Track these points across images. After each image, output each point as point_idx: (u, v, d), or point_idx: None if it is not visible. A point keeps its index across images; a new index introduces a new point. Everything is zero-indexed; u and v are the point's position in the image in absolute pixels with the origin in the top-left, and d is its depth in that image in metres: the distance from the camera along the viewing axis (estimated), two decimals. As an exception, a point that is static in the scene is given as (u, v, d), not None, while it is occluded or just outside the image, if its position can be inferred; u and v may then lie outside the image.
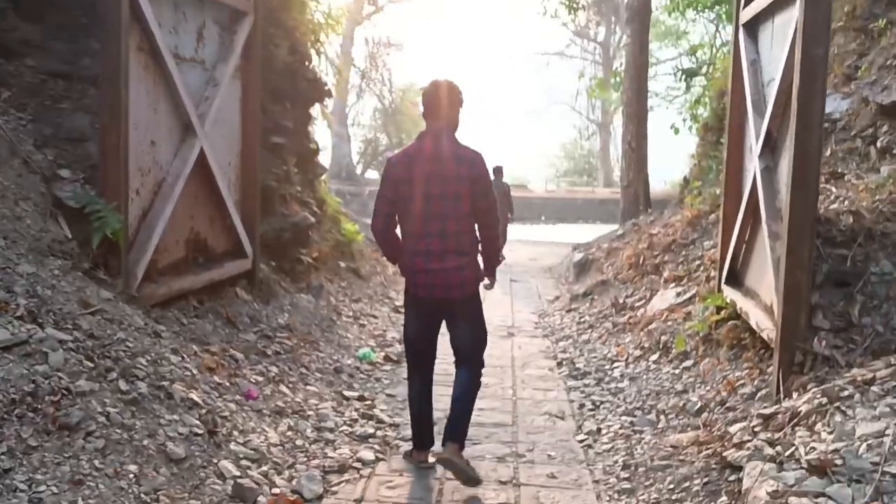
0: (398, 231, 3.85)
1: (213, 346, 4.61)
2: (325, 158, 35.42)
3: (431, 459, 3.90)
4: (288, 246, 7.05)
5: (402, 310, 4.69)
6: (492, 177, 4.38)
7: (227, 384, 4.18)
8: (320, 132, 36.41)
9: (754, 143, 4.90)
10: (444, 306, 3.80)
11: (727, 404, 4.33)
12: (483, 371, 4.01)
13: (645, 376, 5.48)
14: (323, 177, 9.93)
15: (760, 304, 4.75)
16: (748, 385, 4.40)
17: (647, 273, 7.99)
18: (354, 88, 37.18)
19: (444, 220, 3.67)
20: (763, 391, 4.24)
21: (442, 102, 3.75)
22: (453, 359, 3.95)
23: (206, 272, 5.26)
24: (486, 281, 4.02)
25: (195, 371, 4.03)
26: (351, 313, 7.47)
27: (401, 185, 3.69)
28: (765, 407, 3.96)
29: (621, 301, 7.65)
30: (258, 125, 6.16)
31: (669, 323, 6.23)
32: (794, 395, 3.84)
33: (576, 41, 43.67)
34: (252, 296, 5.90)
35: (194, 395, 3.75)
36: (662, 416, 4.59)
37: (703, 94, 18.04)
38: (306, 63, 8.26)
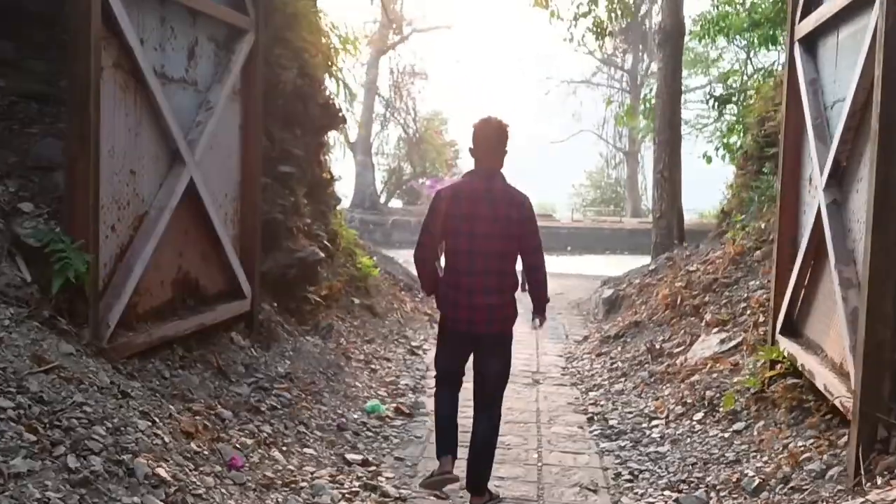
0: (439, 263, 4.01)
1: (196, 404, 4.05)
2: (347, 187, 34.96)
3: (451, 476, 3.89)
4: (294, 284, 6.51)
5: (418, 352, 5.42)
6: None
7: (207, 451, 3.60)
8: (342, 161, 36.31)
9: (817, 174, 4.27)
10: (479, 341, 3.89)
11: (791, 483, 3.66)
12: (504, 428, 4.13)
13: (689, 439, 4.81)
14: (338, 207, 9.42)
15: (827, 362, 4.08)
16: (815, 460, 3.72)
17: (685, 315, 7.31)
18: (379, 118, 37.04)
19: (489, 258, 3.76)
20: (835, 469, 3.56)
21: (493, 141, 3.84)
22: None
23: (196, 316, 4.72)
24: (536, 321, 4.13)
25: (168, 438, 3.45)
26: (362, 356, 6.88)
27: (449, 219, 3.76)
28: (841, 494, 3.29)
29: (658, 346, 6.98)
30: (259, 153, 5.66)
31: (714, 375, 5.55)
32: (878, 479, 3.17)
33: (602, 69, 43.25)
34: (250, 341, 5.34)
35: (162, 470, 3.17)
36: (713, 494, 3.92)
37: (737, 122, 17.41)
38: (319, 87, 7.79)
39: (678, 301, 7.56)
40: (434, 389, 4.18)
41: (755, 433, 4.44)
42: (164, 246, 4.41)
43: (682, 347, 6.65)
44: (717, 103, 17.24)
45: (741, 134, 17.24)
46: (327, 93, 8.25)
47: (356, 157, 34.94)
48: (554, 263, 17.82)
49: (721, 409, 4.97)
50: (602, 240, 33.19)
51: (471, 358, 4.01)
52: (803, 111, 4.64)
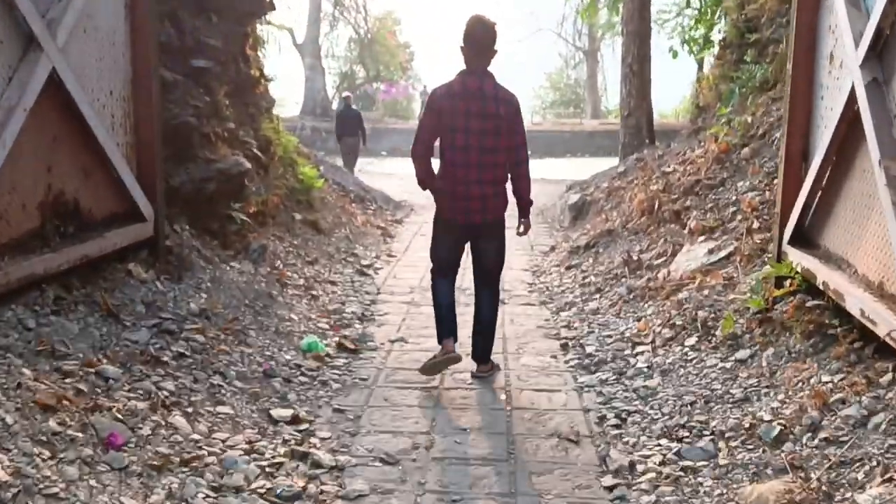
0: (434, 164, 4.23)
1: (68, 361, 3.15)
2: (297, 93, 33.17)
3: (454, 354, 4.17)
4: (214, 200, 5.52)
5: (368, 271, 6.06)
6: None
7: (75, 429, 2.73)
8: (289, 63, 34.21)
9: (850, 48, 3.38)
10: (476, 229, 4.18)
11: (823, 432, 2.95)
12: (466, 362, 4.34)
13: (683, 370, 4.09)
14: (274, 110, 8.30)
15: (859, 280, 3.33)
16: (851, 402, 3.00)
17: (665, 221, 6.54)
18: (327, 17, 34.79)
19: (483, 152, 3.99)
20: (880, 416, 2.85)
21: (485, 42, 3.97)
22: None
23: (76, 246, 3.75)
24: (521, 227, 4.37)
25: (12, 418, 2.58)
26: (302, 282, 6.00)
27: (444, 115, 3.98)
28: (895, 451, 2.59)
29: (635, 257, 6.22)
30: (154, 40, 4.54)
31: (706, 292, 4.82)
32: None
33: (561, -38, 41.09)
34: (155, 272, 4.40)
35: (-3, 466, 2.31)
36: (722, 444, 3.20)
37: (702, 14, 16.32)
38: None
39: (656, 206, 6.78)
40: (431, 282, 4.45)
41: (764, 364, 3.73)
42: (20, 158, 3.39)
43: (664, 259, 5.90)
44: (686, -9, 16.06)
45: (708, 26, 16.21)
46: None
47: (304, 59, 32.95)
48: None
49: (718, 333, 4.25)
50: (563, 142, 32.27)
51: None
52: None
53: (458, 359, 4.18)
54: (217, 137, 5.73)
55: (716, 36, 15.87)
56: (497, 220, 4.20)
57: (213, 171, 5.50)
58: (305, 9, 32.22)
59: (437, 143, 4.17)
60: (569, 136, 33.27)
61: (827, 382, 3.22)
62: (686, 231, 6.02)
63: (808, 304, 3.77)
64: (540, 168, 23.69)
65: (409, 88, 40.80)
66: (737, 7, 8.60)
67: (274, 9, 7.31)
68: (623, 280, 6.01)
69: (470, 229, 4.18)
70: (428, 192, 4.30)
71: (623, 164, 10.55)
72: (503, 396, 4.06)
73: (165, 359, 3.62)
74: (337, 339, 4.90)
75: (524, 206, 4.28)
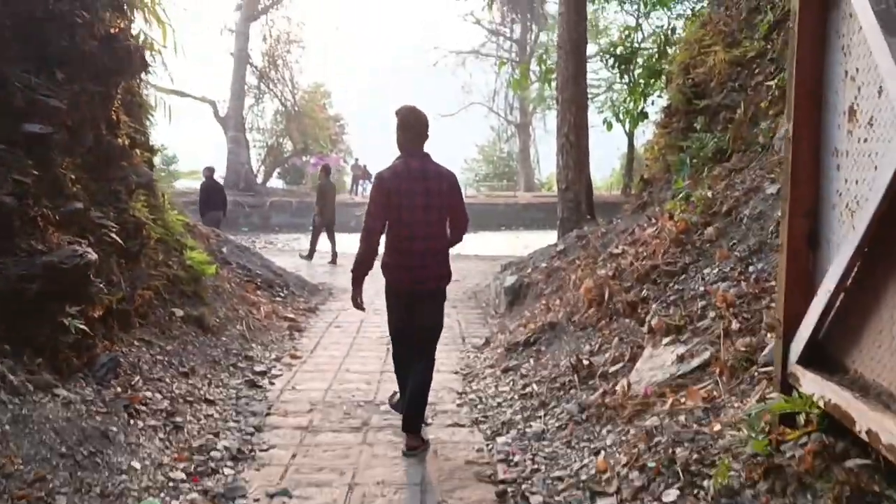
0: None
1: None
2: (219, 166, 31.94)
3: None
4: (41, 304, 4.18)
5: (261, 381, 5.56)
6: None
7: None
8: (212, 137, 32.92)
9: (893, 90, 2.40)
10: (422, 296, 4.47)
11: None
12: None
13: (668, 547, 2.92)
14: (155, 186, 7.03)
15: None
16: None
17: (617, 315, 5.49)
18: (252, 90, 33.85)
19: (428, 225, 4.37)
20: None
21: (418, 128, 4.44)
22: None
23: None
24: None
25: None
26: (165, 404, 4.64)
27: (393, 196, 4.28)
28: None
29: (585, 361, 5.10)
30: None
31: (682, 418, 3.71)
32: None
33: (492, 39, 41.67)
34: None
35: None
36: None
37: (636, 86, 15.98)
38: (99, 14, 5.40)
39: (606, 295, 5.73)
40: (392, 353, 4.77)
41: (786, 545, 2.59)
42: None
43: (621, 365, 4.80)
44: (617, 63, 15.76)
45: (639, 99, 15.82)
46: (122, 25, 5.86)
47: (227, 132, 31.75)
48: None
49: (708, 485, 3.11)
50: (496, 216, 31.73)
51: None
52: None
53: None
54: (48, 222, 4.43)
55: (649, 108, 15.49)
56: (439, 289, 4.57)
57: (39, 265, 4.17)
58: (228, 81, 31.26)
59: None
60: (503, 210, 32.81)
61: None
62: (646, 329, 4.95)
63: (833, 449, 2.68)
64: (473, 243, 22.79)
65: (339, 161, 39.96)
66: (681, 72, 7.89)
67: (146, 69, 6.14)
68: (572, 392, 4.86)
69: (417, 297, 4.46)
70: (349, 276, 4.66)
71: (562, 242, 9.61)
72: None
73: None
74: (192, 496, 3.56)
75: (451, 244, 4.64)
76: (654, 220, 6.62)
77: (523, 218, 31.89)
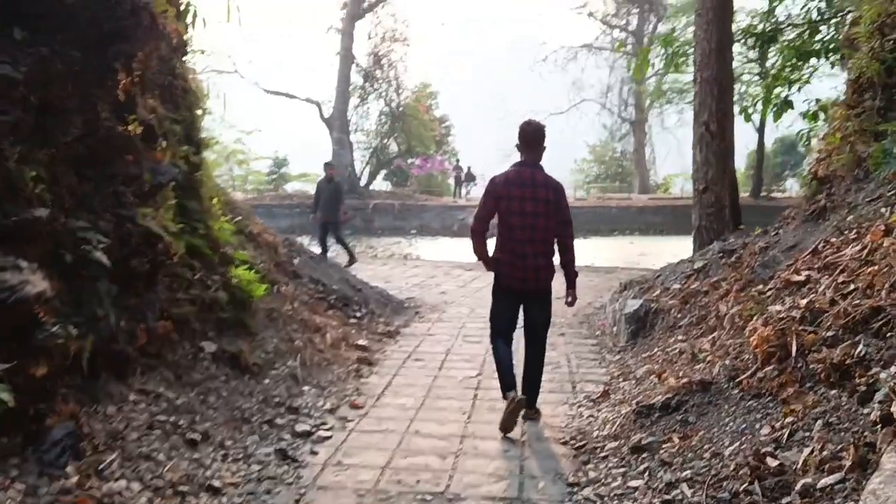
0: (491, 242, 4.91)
1: None
2: (321, 167, 31.49)
3: (519, 397, 4.70)
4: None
5: (300, 449, 4.41)
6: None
7: None
8: (318, 137, 32.39)
9: None
10: (529, 295, 4.86)
11: None
12: None
13: None
14: (195, 186, 5.73)
15: None
16: None
17: (815, 381, 3.61)
18: (358, 90, 33.12)
19: (535, 230, 4.74)
20: None
21: (535, 140, 4.82)
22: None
23: None
24: (569, 297, 5.02)
25: None
26: (144, 500, 3.20)
27: (501, 200, 4.72)
28: None
29: (769, 457, 3.27)
30: None
31: None
32: None
33: (606, 31, 39.26)
34: None
35: None
36: None
37: (781, 70, 13.60)
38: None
39: (793, 348, 3.85)
40: (491, 345, 5.03)
41: None
42: None
43: (838, 477, 2.94)
44: (758, 42, 13.44)
45: (783, 84, 13.39)
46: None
47: (332, 134, 31.15)
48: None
49: None
50: (609, 219, 29.49)
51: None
52: None
53: (523, 402, 4.70)
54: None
55: (794, 96, 13.07)
56: (546, 288, 4.88)
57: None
58: (333, 82, 30.61)
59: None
60: (615, 213, 30.51)
61: None
62: (873, 415, 3.08)
63: None
64: (585, 250, 20.76)
65: (444, 163, 38.80)
66: (874, 34, 5.83)
67: (163, 40, 4.80)
68: (753, 510, 3.05)
69: (524, 295, 4.86)
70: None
71: (700, 257, 7.66)
72: None
73: None
74: None
75: (571, 278, 4.98)
76: (853, 235, 4.66)
77: (638, 222, 29.51)
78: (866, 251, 4.16)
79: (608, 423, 4.78)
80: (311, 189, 34.53)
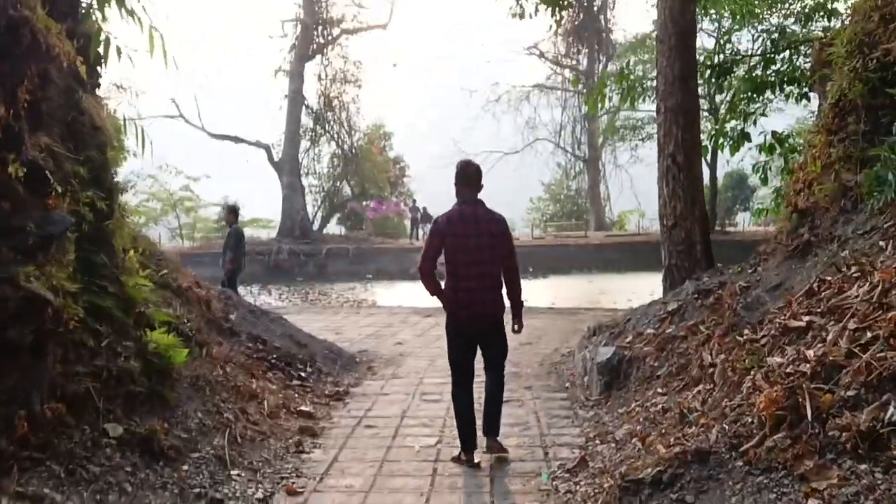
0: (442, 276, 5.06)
1: None
2: (271, 212, 30.36)
3: (477, 459, 4.85)
4: None
5: None
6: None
7: None
8: (266, 182, 31.55)
9: None
10: (482, 329, 5.01)
11: None
12: None
13: None
14: (106, 238, 4.96)
15: None
16: None
17: (837, 451, 3.00)
18: (308, 133, 32.52)
19: (482, 264, 4.89)
20: None
21: (473, 179, 5.00)
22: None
23: None
24: (516, 326, 5.12)
25: None
26: None
27: (448, 238, 4.85)
28: None
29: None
30: None
31: None
32: None
33: (557, 70, 39.55)
34: None
35: None
36: None
37: (737, 103, 13.43)
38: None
39: (808, 410, 3.24)
40: (452, 394, 5.10)
41: None
42: None
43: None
44: (715, 75, 13.23)
45: (739, 117, 13.17)
46: None
47: (282, 178, 30.35)
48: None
49: None
50: (567, 258, 29.09)
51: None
52: None
53: (478, 467, 4.77)
54: None
55: (751, 128, 12.83)
56: (499, 319, 5.04)
57: None
58: (283, 124, 29.96)
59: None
60: (574, 251, 30.16)
61: None
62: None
63: None
64: (545, 290, 20.28)
65: (400, 205, 38.27)
66: (854, 52, 5.43)
67: (45, 57, 4.08)
68: None
69: (478, 331, 5.00)
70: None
71: (674, 298, 7.11)
72: None
73: None
74: None
75: (518, 308, 5.12)
76: (854, 273, 4.12)
77: (597, 260, 29.19)
78: (877, 292, 3.61)
79: (589, 500, 4.09)
80: (265, 235, 33.50)
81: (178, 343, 5.21)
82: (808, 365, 3.44)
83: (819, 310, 3.96)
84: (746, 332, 4.93)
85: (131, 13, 5.49)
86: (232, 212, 11.99)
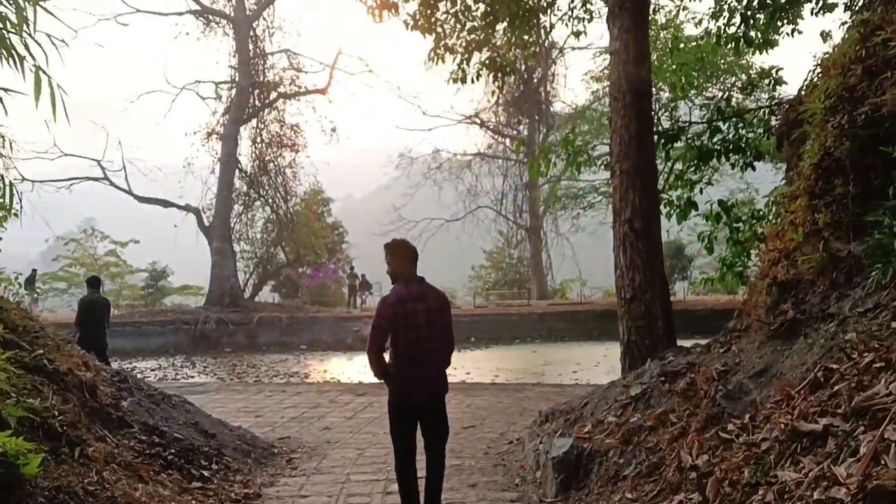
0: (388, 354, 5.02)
1: None
2: (202, 278, 28.91)
3: None
4: None
5: None
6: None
7: None
8: (198, 247, 30.11)
9: None
10: (427, 406, 5.02)
11: None
12: None
13: None
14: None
15: None
16: None
17: None
18: (242, 197, 31.37)
19: (430, 341, 4.94)
20: None
21: (410, 257, 5.10)
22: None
23: None
24: None
25: None
26: None
27: (396, 318, 4.85)
28: None
29: None
30: None
31: None
32: None
33: (498, 139, 39.67)
34: None
35: None
36: None
37: (684, 171, 13.06)
38: None
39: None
40: (395, 471, 5.05)
41: None
42: None
43: None
44: (662, 141, 12.87)
45: (685, 186, 12.79)
46: None
47: (212, 244, 28.97)
48: (456, 363, 11.81)
49: None
50: (510, 327, 28.28)
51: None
52: None
53: None
54: None
55: (697, 197, 12.41)
56: (441, 396, 5.10)
57: None
58: (214, 188, 28.80)
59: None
60: (516, 320, 29.39)
61: None
62: None
63: None
64: (488, 361, 19.29)
65: (337, 272, 37.12)
66: (839, 105, 4.86)
67: None
68: None
69: (421, 407, 4.98)
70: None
71: (636, 381, 6.28)
72: None
73: None
74: None
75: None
76: (868, 360, 3.37)
77: (539, 328, 28.47)
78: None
79: None
80: (192, 303, 31.73)
81: (35, 446, 4.10)
82: (843, 490, 2.61)
83: (840, 411, 3.17)
84: (732, 427, 4.13)
85: (10, 50, 4.47)
86: (88, 283, 11.38)
